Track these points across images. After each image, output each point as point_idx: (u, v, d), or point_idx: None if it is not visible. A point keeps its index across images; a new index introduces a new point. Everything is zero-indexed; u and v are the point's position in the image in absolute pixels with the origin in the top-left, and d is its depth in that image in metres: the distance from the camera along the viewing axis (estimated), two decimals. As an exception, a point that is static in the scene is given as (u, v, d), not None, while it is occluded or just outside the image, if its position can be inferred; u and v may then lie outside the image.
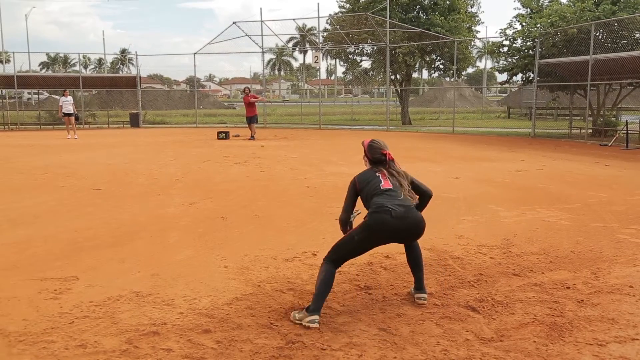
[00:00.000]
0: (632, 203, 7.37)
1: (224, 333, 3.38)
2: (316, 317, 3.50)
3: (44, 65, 72.80)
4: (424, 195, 3.97)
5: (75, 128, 20.09)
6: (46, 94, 42.81)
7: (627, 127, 15.50)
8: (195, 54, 26.91)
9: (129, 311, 3.72)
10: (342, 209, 3.93)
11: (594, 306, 3.77)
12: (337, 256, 3.75)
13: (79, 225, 6.27)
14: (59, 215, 6.86)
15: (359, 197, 3.89)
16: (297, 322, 3.53)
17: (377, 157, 3.90)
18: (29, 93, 43.56)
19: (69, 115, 19.77)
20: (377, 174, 3.83)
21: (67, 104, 19.71)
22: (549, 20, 17.92)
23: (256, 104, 19.29)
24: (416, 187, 3.93)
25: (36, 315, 3.66)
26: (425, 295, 3.92)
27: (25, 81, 28.41)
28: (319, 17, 25.71)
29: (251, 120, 18.90)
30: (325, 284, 3.62)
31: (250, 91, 19.39)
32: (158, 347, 3.20)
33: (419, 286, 3.94)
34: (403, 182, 3.81)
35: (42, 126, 26.98)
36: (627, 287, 4.12)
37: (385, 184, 3.75)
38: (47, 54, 73.47)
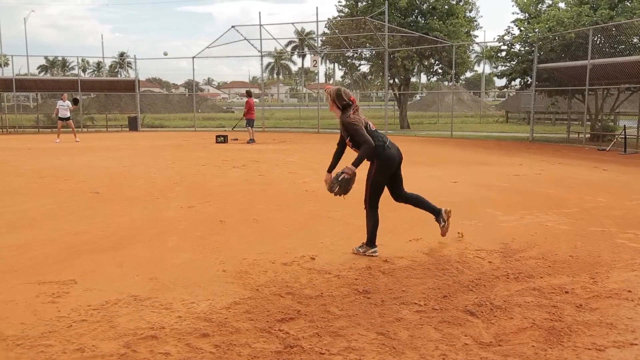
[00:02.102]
0: (630, 207, 7.38)
1: (222, 337, 3.38)
2: (376, 249, 5.04)
3: (42, 68, 72.82)
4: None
5: (75, 131, 20.21)
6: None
7: (625, 132, 15.53)
8: (194, 57, 26.94)
9: (127, 315, 3.72)
10: (366, 140, 4.79)
11: (593, 311, 3.77)
12: (376, 200, 5.01)
13: (77, 228, 6.26)
14: (57, 218, 6.85)
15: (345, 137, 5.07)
16: (361, 254, 5.01)
17: (345, 102, 4.91)
18: (25, 97, 43.48)
19: (63, 119, 19.76)
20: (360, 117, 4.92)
21: (62, 108, 19.66)
22: (547, 25, 17.97)
23: (254, 108, 19.38)
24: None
25: (34, 319, 3.65)
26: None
27: (24, 84, 28.40)
28: (317, 21, 25.77)
29: (248, 123, 18.96)
30: (377, 224, 5.06)
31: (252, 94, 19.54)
32: (156, 351, 3.20)
33: (438, 210, 5.45)
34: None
35: (40, 129, 26.95)
36: (625, 292, 4.12)
37: (372, 124, 4.93)
38: (46, 57, 73.56)
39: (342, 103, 4.96)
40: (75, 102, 20.21)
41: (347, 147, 5.12)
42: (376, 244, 5.09)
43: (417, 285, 4.28)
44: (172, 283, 4.38)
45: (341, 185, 4.88)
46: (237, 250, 5.35)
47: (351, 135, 4.87)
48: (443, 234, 5.53)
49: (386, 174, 5.00)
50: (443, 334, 3.42)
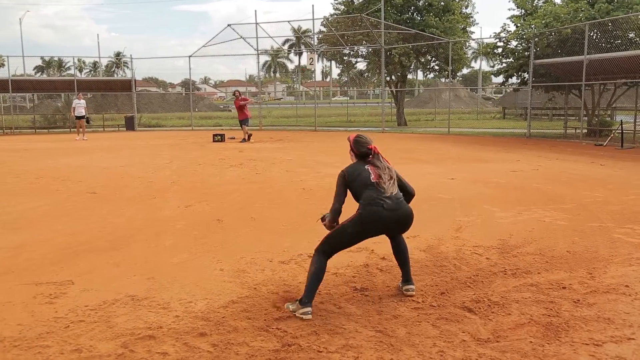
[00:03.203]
0: (628, 202, 7.39)
1: (220, 336, 3.37)
2: (309, 309, 3.65)
3: (38, 69, 72.59)
4: (408, 194, 3.98)
5: (84, 130, 21.05)
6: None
7: (621, 127, 15.54)
8: (190, 56, 26.87)
9: (125, 315, 3.71)
10: (335, 200, 3.95)
11: (590, 306, 3.77)
12: (330, 248, 3.86)
13: (74, 229, 6.25)
14: (54, 219, 6.83)
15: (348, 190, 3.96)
16: (290, 312, 3.70)
17: (363, 151, 3.98)
18: (22, 98, 43.41)
19: (80, 117, 20.81)
20: (366, 167, 3.91)
21: (79, 106, 20.76)
22: (543, 21, 17.97)
23: (248, 106, 19.34)
24: (400, 185, 3.95)
25: (31, 320, 3.64)
26: (413, 287, 4.09)
27: (20, 85, 28.28)
28: (313, 19, 25.69)
29: (243, 122, 18.93)
30: (317, 276, 3.75)
31: (240, 94, 19.48)
32: (154, 350, 3.19)
33: (407, 278, 4.12)
34: (392, 174, 3.88)
35: (37, 130, 26.90)
36: (622, 287, 4.13)
37: (375, 176, 3.84)
38: (42, 57, 73.29)
39: (359, 151, 4.01)
40: (87, 120, 21.04)
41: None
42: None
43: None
44: (170, 283, 4.37)
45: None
46: (235, 249, 5.34)
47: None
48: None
49: (362, 229, 3.80)
50: (441, 330, 3.42)
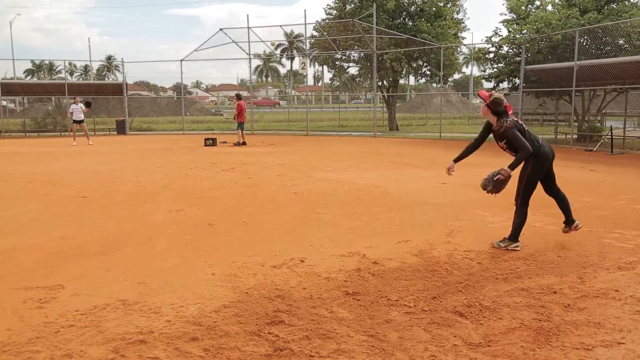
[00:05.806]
0: (617, 208, 7.44)
1: (211, 341, 3.36)
2: (519, 243, 5.27)
3: (29, 72, 72.22)
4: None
5: (75, 135, 20.56)
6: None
7: (611, 133, 15.67)
8: (182, 60, 26.85)
9: (116, 320, 3.69)
10: (524, 146, 5.09)
11: (581, 310, 3.79)
12: (527, 198, 5.30)
13: (65, 233, 6.21)
14: (44, 223, 6.79)
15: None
16: (502, 248, 5.23)
17: (501, 109, 5.18)
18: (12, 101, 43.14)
19: (78, 122, 20.44)
20: (512, 118, 5.21)
21: (77, 111, 20.42)
22: (535, 27, 18.11)
23: (245, 109, 19.39)
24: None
25: (21, 325, 3.61)
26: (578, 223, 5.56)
27: (10, 89, 28.11)
28: (305, 24, 25.75)
29: (239, 126, 18.94)
30: (523, 223, 5.31)
31: (241, 97, 19.52)
32: (145, 355, 3.18)
33: (571, 219, 5.54)
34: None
35: (27, 134, 26.74)
36: (612, 291, 4.15)
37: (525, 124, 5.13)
38: (32, 61, 72.86)
39: (498, 110, 5.24)
40: (87, 104, 20.59)
41: (501, 149, 5.50)
42: (520, 240, 5.35)
43: (407, 287, 4.29)
44: (161, 287, 4.35)
45: (495, 185, 5.27)
46: (226, 253, 5.33)
47: (510, 141, 5.17)
48: (567, 232, 5.70)
49: (541, 171, 5.32)
50: (432, 335, 3.43)
